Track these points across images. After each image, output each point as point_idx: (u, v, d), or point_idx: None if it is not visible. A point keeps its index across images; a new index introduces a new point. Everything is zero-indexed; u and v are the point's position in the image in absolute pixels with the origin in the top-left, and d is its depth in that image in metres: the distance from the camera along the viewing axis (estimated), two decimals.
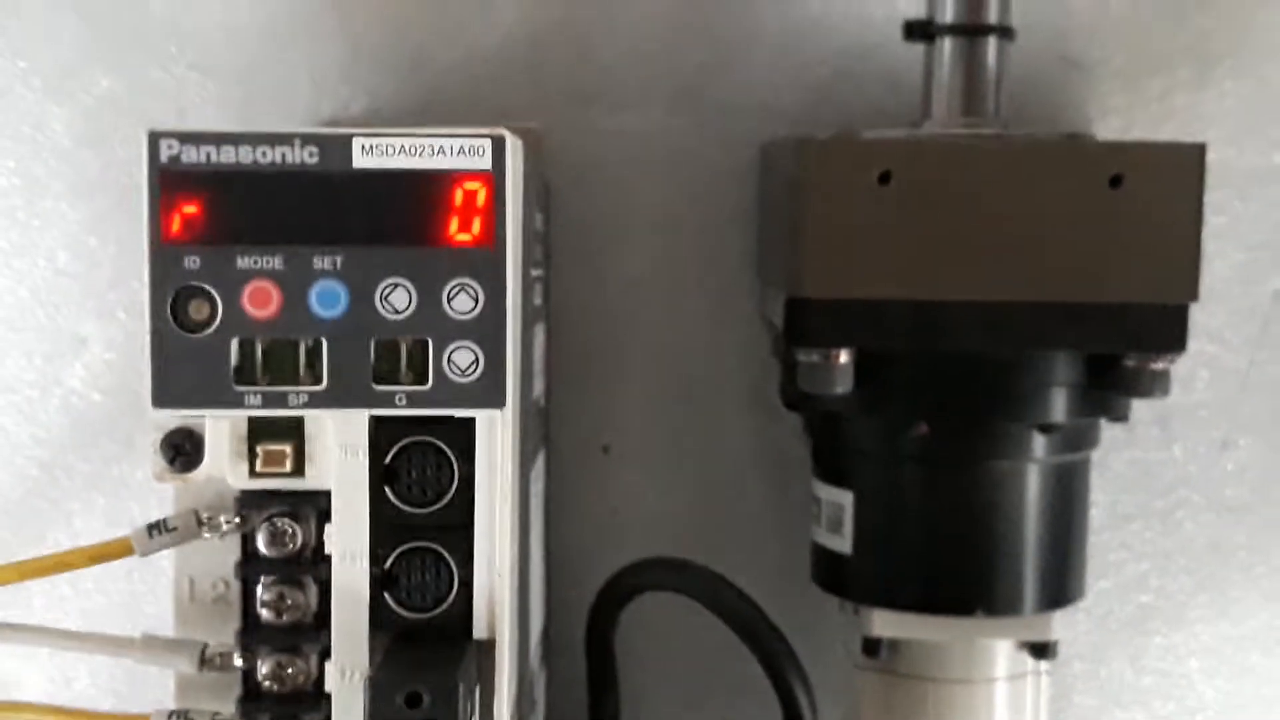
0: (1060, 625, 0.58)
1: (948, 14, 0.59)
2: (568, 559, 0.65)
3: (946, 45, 0.59)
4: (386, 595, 0.45)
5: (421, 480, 0.45)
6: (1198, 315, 0.63)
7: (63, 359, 0.65)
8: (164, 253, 0.43)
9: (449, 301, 0.44)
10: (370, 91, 0.64)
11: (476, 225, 0.44)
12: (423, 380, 0.44)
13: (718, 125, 0.65)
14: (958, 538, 0.57)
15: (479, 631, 0.45)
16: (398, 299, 0.44)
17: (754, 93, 0.64)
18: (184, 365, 0.43)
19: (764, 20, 0.64)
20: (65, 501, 0.66)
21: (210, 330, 0.43)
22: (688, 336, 0.66)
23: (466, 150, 0.43)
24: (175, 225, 0.43)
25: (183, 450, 0.45)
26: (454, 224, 0.43)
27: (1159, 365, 0.55)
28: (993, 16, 0.58)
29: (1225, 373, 0.66)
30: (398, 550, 0.45)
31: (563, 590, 0.64)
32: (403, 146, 0.43)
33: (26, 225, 0.65)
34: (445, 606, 0.45)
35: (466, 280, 0.44)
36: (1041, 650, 0.58)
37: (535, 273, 0.55)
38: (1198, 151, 0.54)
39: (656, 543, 0.64)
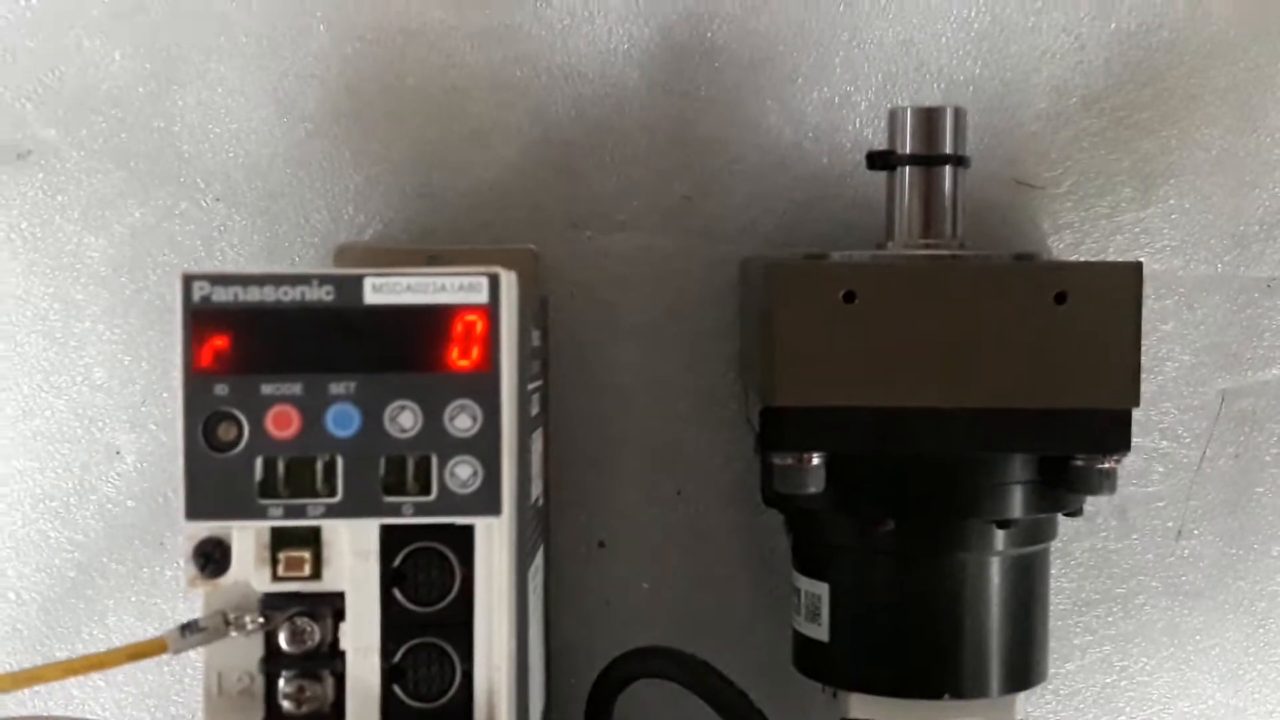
0: (1024, 706, 0.61)
1: (906, 145, 0.63)
2: (566, 649, 0.69)
3: (906, 174, 0.63)
4: (396, 687, 0.49)
5: (427, 582, 0.49)
6: (1151, 414, 0.69)
7: (98, 468, 0.69)
8: (196, 381, 0.48)
9: (450, 421, 0.48)
10: (382, 219, 0.69)
11: (475, 352, 0.48)
12: (427, 492, 0.48)
13: (700, 245, 0.69)
14: (926, 626, 0.60)
15: (479, 719, 0.49)
16: (405, 419, 0.48)
17: (733, 216, 0.69)
18: (214, 481, 0.48)
19: (742, 151, 0.69)
20: (100, 600, 0.69)
21: (237, 450, 0.48)
22: (676, 438, 0.70)
23: (466, 286, 0.48)
24: (206, 357, 0.48)
25: (212, 558, 0.49)
26: (455, 352, 0.48)
27: (1106, 465, 0.58)
28: (947, 147, 0.63)
29: (1178, 467, 0.70)
30: (406, 645, 0.49)
31: (561, 678, 0.68)
32: (409, 284, 0.48)
33: (65, 344, 0.69)
34: (449, 696, 0.49)
35: (466, 401, 0.48)
36: None
37: (533, 385, 0.59)
38: (1135, 269, 0.58)
39: (649, 633, 0.68)
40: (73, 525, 0.70)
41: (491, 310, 0.48)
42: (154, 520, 0.69)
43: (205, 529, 0.49)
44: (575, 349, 0.69)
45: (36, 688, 0.61)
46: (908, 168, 0.63)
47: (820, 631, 0.62)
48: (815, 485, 0.59)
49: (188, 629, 0.49)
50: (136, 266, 0.68)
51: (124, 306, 0.69)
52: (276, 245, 0.68)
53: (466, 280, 0.48)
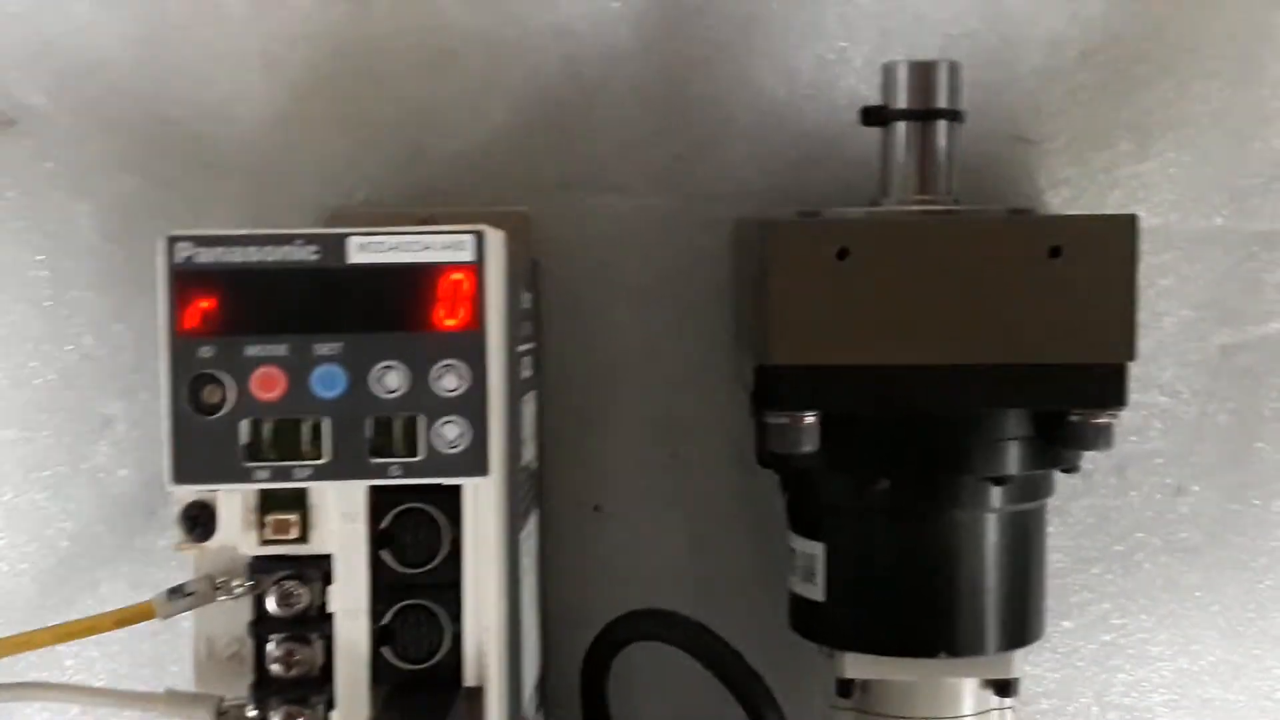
0: (1021, 663, 0.61)
1: (901, 100, 0.62)
2: (563, 612, 0.69)
3: (900, 129, 0.63)
4: (385, 648, 0.49)
5: (415, 543, 0.49)
6: (1150, 369, 0.69)
7: (90, 437, 0.69)
8: (181, 344, 0.48)
9: (437, 381, 0.48)
10: (372, 183, 0.68)
11: (462, 312, 0.48)
12: (414, 453, 0.48)
13: (694, 206, 0.69)
14: (921, 584, 0.60)
15: (469, 679, 0.49)
16: (391, 380, 0.48)
17: (728, 176, 0.69)
18: (200, 445, 0.48)
19: (735, 110, 0.68)
20: (93, 570, 0.69)
21: (223, 412, 0.48)
22: (671, 401, 0.70)
23: (451, 245, 0.48)
24: (191, 319, 0.48)
25: (199, 521, 0.49)
26: (441, 311, 0.48)
27: (1102, 420, 0.58)
28: (942, 101, 0.62)
29: (1177, 423, 0.70)
30: (395, 607, 0.49)
31: (558, 642, 0.68)
32: (394, 243, 0.48)
33: (55, 313, 0.69)
34: (438, 658, 0.49)
35: (453, 361, 0.48)
36: (1004, 688, 0.62)
37: (524, 347, 0.59)
38: (1130, 222, 0.57)
39: (646, 596, 0.68)
40: (64, 495, 0.70)
41: (478, 269, 0.48)
42: (146, 489, 0.69)
43: (192, 492, 0.49)
44: (569, 312, 0.69)
45: (29, 656, 0.61)
46: (902, 123, 0.63)
47: (815, 592, 0.62)
48: (810, 444, 0.59)
49: (175, 593, 0.49)
50: (126, 234, 0.68)
51: (114, 274, 0.68)
52: (266, 211, 0.68)
53: (452, 239, 0.48)
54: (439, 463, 0.48)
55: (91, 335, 0.69)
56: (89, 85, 0.68)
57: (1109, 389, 0.58)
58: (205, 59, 0.68)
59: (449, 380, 0.48)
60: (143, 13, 0.68)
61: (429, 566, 0.49)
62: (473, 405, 0.48)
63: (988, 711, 0.62)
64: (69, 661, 0.69)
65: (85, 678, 0.69)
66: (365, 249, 0.48)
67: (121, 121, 0.68)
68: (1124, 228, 0.58)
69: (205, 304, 0.48)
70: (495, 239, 0.49)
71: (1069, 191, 0.69)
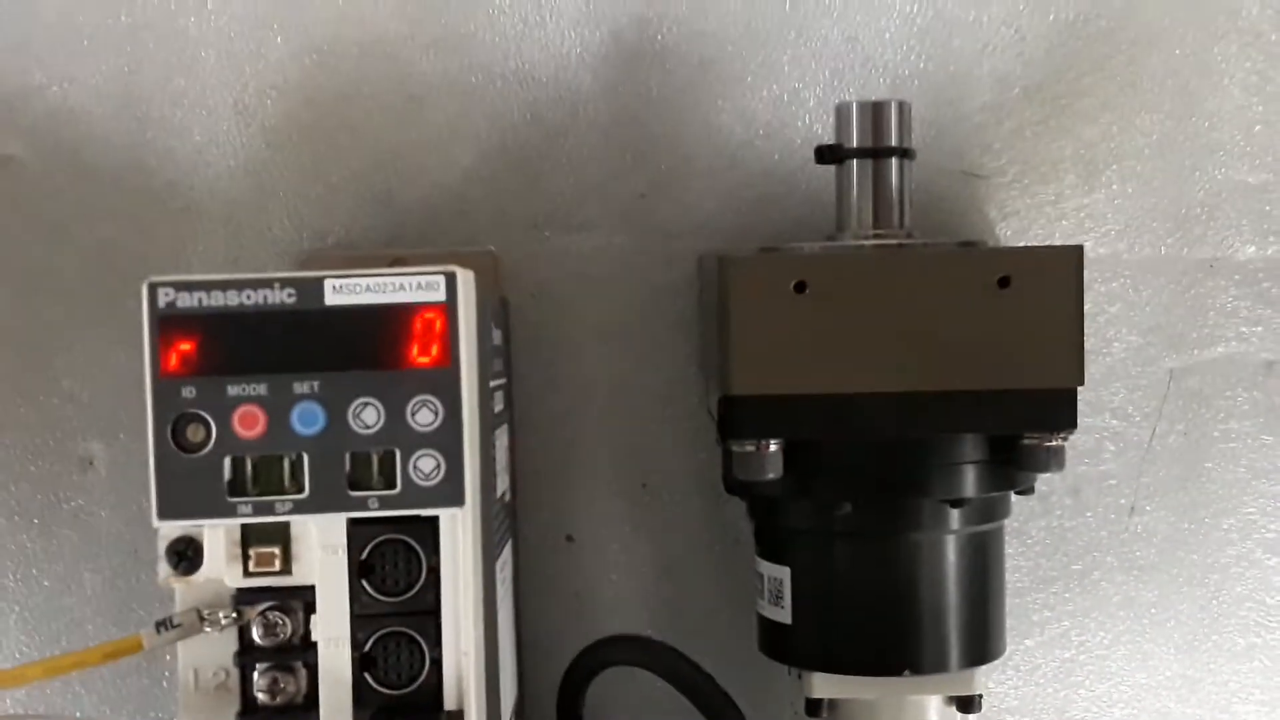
0: (984, 680, 0.63)
1: (853, 139, 0.64)
2: (538, 641, 0.70)
3: (854, 167, 0.65)
4: (367, 675, 0.51)
5: (394, 573, 0.51)
6: (1102, 394, 0.71)
7: (71, 479, 0.70)
8: (163, 385, 0.49)
9: (412, 416, 0.50)
10: (344, 226, 0.70)
11: (434, 349, 0.50)
12: (392, 485, 0.50)
13: (657, 243, 0.71)
14: (885, 605, 0.62)
15: (449, 704, 0.50)
16: (368, 416, 0.50)
17: (689, 213, 0.71)
18: (184, 481, 0.49)
19: (695, 150, 0.71)
20: (78, 609, 0.71)
21: (206, 450, 0.50)
22: (640, 432, 0.72)
23: (423, 285, 0.50)
24: (173, 361, 0.49)
25: (185, 556, 0.50)
26: (415, 349, 0.50)
27: (1054, 442, 0.60)
28: (893, 139, 0.64)
29: (1129, 445, 0.72)
30: (375, 635, 0.51)
31: (534, 670, 0.69)
32: (368, 285, 0.50)
33: (35, 357, 0.70)
34: (419, 683, 0.51)
35: (427, 397, 0.50)
36: (967, 704, 0.63)
37: (495, 383, 0.61)
38: (1076, 253, 0.59)
39: (619, 623, 0.70)
40: (47, 535, 0.71)
41: (449, 308, 0.50)
42: (128, 529, 0.70)
43: (177, 528, 0.51)
44: (538, 348, 0.71)
45: (18, 695, 0.62)
46: (855, 161, 0.65)
47: (783, 614, 0.63)
48: (774, 471, 0.60)
49: (163, 625, 0.51)
50: (105, 279, 0.70)
51: (94, 318, 0.70)
52: (242, 255, 0.69)
53: (424, 280, 0.50)
54: (416, 495, 0.50)
55: (71, 378, 0.70)
56: (66, 134, 0.69)
57: (1060, 412, 0.60)
58: (180, 109, 0.70)
59: (424, 415, 0.50)
60: (119, 64, 0.69)
61: (408, 595, 0.51)
62: (447, 439, 0.50)
63: None
64: (58, 699, 0.70)
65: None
66: (341, 291, 0.50)
67: (99, 169, 0.70)
68: (1070, 258, 0.60)
69: (186, 346, 0.49)
70: (466, 279, 0.51)
71: (1018, 223, 0.71)
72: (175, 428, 0.50)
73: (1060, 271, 0.59)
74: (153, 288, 0.49)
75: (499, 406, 0.62)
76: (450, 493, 0.50)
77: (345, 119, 0.70)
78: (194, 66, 0.70)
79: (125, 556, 0.71)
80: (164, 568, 0.51)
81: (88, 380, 0.70)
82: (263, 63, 0.70)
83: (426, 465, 0.50)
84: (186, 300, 0.49)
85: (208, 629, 0.51)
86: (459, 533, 0.50)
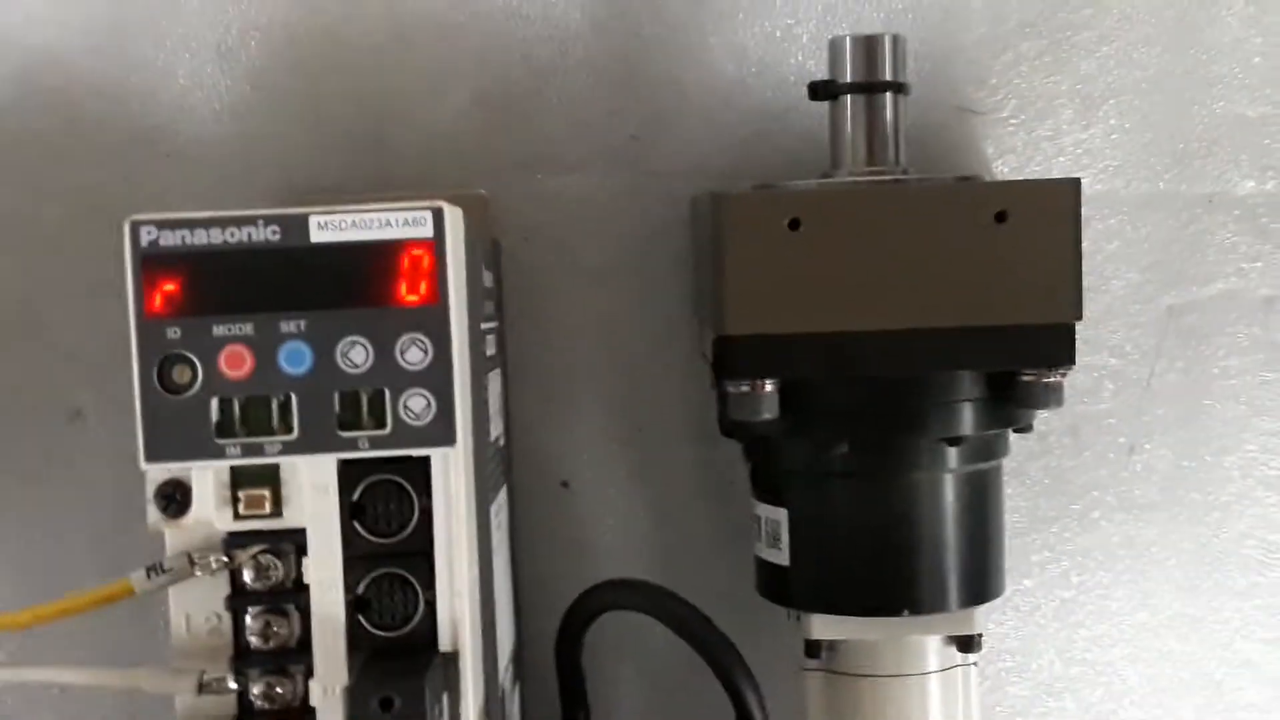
0: (983, 620, 0.63)
1: (847, 74, 0.64)
2: (535, 588, 0.70)
3: (848, 102, 0.64)
4: (360, 617, 0.50)
5: (386, 514, 0.50)
6: (1100, 331, 0.70)
7: (61, 431, 0.70)
8: (148, 326, 0.49)
9: (402, 354, 0.49)
10: (331, 170, 0.69)
11: (423, 286, 0.49)
12: (382, 425, 0.49)
13: (651, 184, 0.70)
14: (883, 545, 0.61)
15: (444, 645, 0.50)
16: (356, 355, 0.49)
17: (682, 154, 0.70)
18: (171, 424, 0.49)
19: (687, 88, 0.70)
20: (70, 561, 0.70)
21: (192, 392, 0.49)
22: (634, 376, 0.71)
23: (411, 221, 0.49)
24: (157, 301, 0.49)
25: (174, 499, 0.50)
26: (403, 286, 0.49)
27: (1052, 379, 0.60)
28: (887, 74, 0.63)
29: (1128, 383, 0.72)
30: (368, 577, 0.50)
31: (532, 617, 0.69)
32: (354, 221, 0.49)
33: (22, 307, 0.69)
34: (413, 625, 0.50)
35: (416, 335, 0.49)
36: (967, 644, 0.63)
37: (487, 325, 0.60)
38: (1073, 185, 0.59)
39: (616, 568, 0.69)
40: (37, 487, 0.70)
41: (437, 244, 0.49)
42: (119, 479, 0.69)
43: (165, 471, 0.50)
44: (530, 292, 0.70)
45: (9, 646, 0.61)
46: (849, 96, 0.64)
47: (781, 556, 0.63)
48: (769, 412, 0.60)
49: (153, 570, 0.50)
50: (89, 225, 0.68)
51: (79, 265, 0.69)
52: (228, 199, 0.68)
53: (411, 215, 0.49)
54: (406, 434, 0.49)
55: (57, 328, 0.69)
56: (48, 78, 0.69)
57: (1058, 348, 0.59)
58: (163, 51, 0.69)
59: (413, 354, 0.49)
60: (99, 6, 0.68)
61: (401, 536, 0.50)
62: (437, 377, 0.49)
63: (952, 668, 0.64)
64: (48, 654, 0.68)
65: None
66: (326, 228, 0.49)
67: (82, 114, 0.69)
68: (1067, 191, 0.59)
69: (170, 286, 0.49)
70: (454, 214, 0.50)
71: (1015, 160, 0.70)
72: (161, 369, 0.49)
73: (1058, 204, 0.59)
74: (135, 226, 0.49)
75: (491, 350, 0.62)
76: (441, 432, 0.49)
77: (331, 60, 0.69)
78: (176, 7, 0.68)
79: (117, 507, 0.69)
80: (153, 511, 0.50)
81: (74, 330, 0.69)
82: (246, 3, 0.68)
83: (417, 404, 0.49)
84: (169, 239, 0.49)
85: (199, 573, 0.50)
86: (451, 473, 0.50)
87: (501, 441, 0.65)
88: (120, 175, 0.69)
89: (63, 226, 0.69)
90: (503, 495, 0.64)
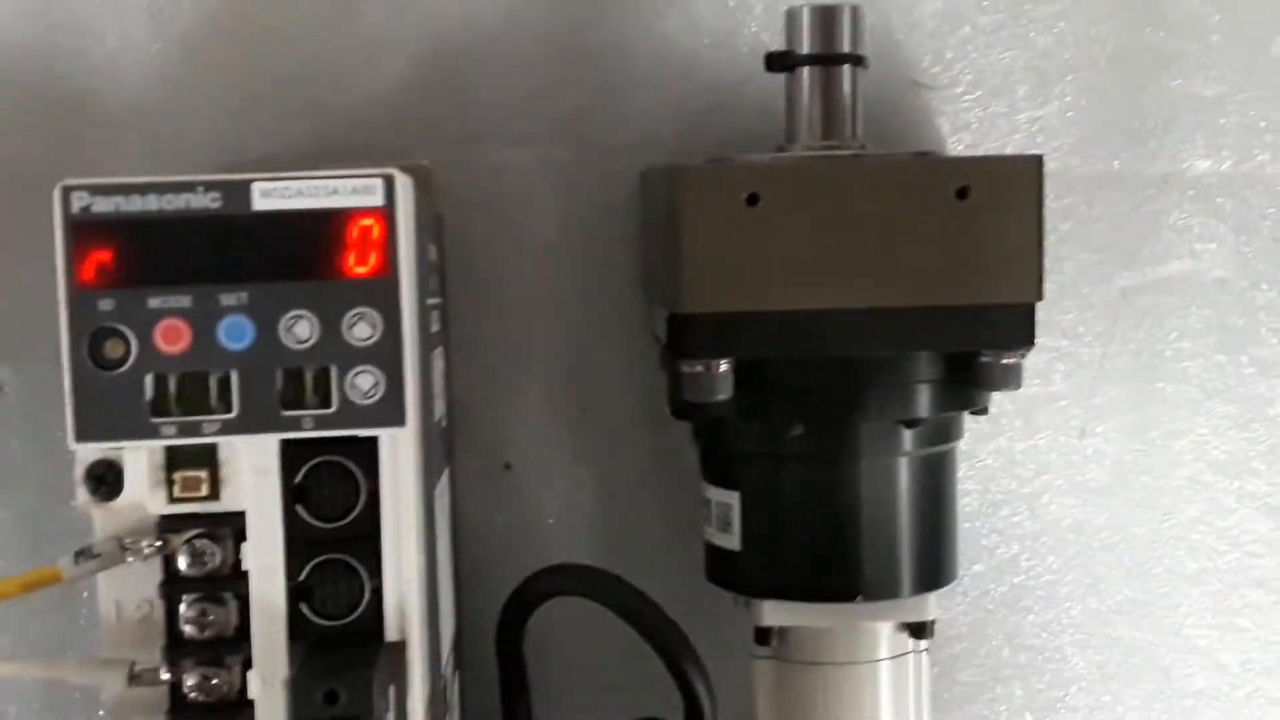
0: (936, 606, 0.62)
1: (804, 46, 0.62)
2: (476, 572, 0.68)
3: (805, 75, 0.62)
4: (303, 606, 0.48)
5: (331, 497, 0.48)
6: (1053, 313, 0.69)
7: None
8: (79, 296, 0.46)
9: (349, 330, 0.47)
10: (268, 138, 0.66)
11: (372, 258, 0.47)
12: (327, 404, 0.47)
13: (599, 157, 0.68)
14: (836, 529, 0.60)
15: (390, 634, 0.48)
16: (301, 330, 0.47)
17: (633, 126, 0.68)
18: (102, 401, 0.46)
19: (638, 59, 0.68)
20: None
21: (126, 367, 0.47)
22: (580, 356, 0.69)
23: (360, 189, 0.47)
24: (89, 271, 0.46)
25: (105, 480, 0.48)
26: (351, 258, 0.47)
27: (1011, 360, 0.59)
28: (845, 46, 0.62)
29: (1080, 366, 0.71)
30: (311, 563, 0.48)
31: (473, 602, 0.67)
32: (300, 188, 0.47)
33: None
34: (358, 613, 0.48)
35: (365, 309, 0.47)
36: (919, 630, 0.62)
37: (431, 301, 0.58)
38: (1035, 162, 0.58)
39: (561, 553, 0.67)
40: None
41: (388, 213, 0.47)
42: (43, 459, 0.67)
43: (95, 451, 0.48)
44: (473, 267, 0.68)
45: None
46: (806, 68, 0.63)
47: (731, 541, 0.62)
48: (724, 392, 0.58)
49: (82, 554, 0.48)
50: (14, 193, 0.65)
51: (4, 233, 0.66)
52: (161, 167, 0.65)
53: (361, 183, 0.47)
54: (354, 414, 0.47)
55: None
56: None
57: (1017, 329, 0.58)
58: (92, 13, 0.66)
59: (361, 329, 0.47)
60: None
61: (346, 521, 0.48)
62: (387, 354, 0.47)
63: (904, 654, 0.63)
64: None
65: None
66: (270, 195, 0.47)
67: (9, 77, 0.66)
68: (1030, 168, 0.58)
69: (104, 255, 0.46)
70: (404, 183, 0.48)
71: (970, 136, 0.69)
72: (92, 343, 0.47)
73: (1020, 182, 0.58)
74: (66, 191, 0.46)
75: (435, 326, 0.60)
76: (390, 412, 0.47)
77: (268, 24, 0.66)
78: None
79: (39, 489, 0.67)
80: (82, 493, 0.48)
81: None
82: None
83: (365, 382, 0.47)
84: (103, 205, 0.46)
85: (130, 559, 0.48)
86: (400, 454, 0.48)
87: (444, 423, 0.63)
88: (48, 142, 0.66)
89: None
90: (445, 478, 0.62)
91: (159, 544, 0.48)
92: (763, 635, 0.62)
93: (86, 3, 0.66)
